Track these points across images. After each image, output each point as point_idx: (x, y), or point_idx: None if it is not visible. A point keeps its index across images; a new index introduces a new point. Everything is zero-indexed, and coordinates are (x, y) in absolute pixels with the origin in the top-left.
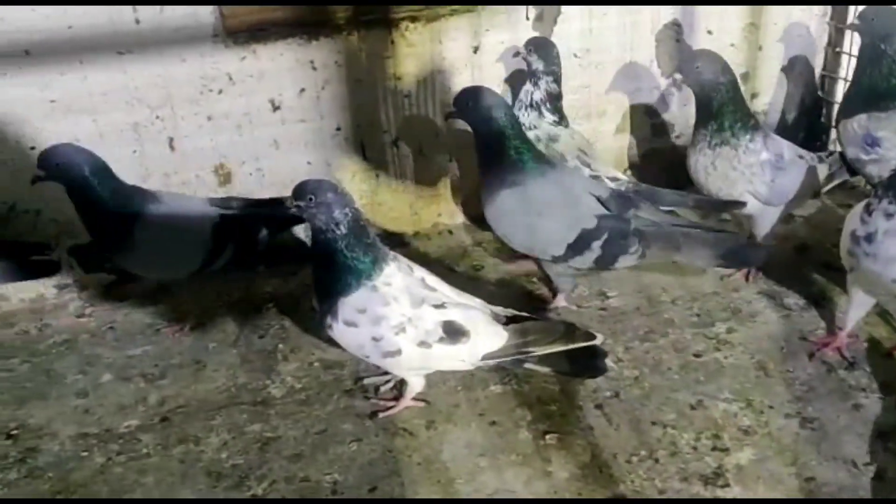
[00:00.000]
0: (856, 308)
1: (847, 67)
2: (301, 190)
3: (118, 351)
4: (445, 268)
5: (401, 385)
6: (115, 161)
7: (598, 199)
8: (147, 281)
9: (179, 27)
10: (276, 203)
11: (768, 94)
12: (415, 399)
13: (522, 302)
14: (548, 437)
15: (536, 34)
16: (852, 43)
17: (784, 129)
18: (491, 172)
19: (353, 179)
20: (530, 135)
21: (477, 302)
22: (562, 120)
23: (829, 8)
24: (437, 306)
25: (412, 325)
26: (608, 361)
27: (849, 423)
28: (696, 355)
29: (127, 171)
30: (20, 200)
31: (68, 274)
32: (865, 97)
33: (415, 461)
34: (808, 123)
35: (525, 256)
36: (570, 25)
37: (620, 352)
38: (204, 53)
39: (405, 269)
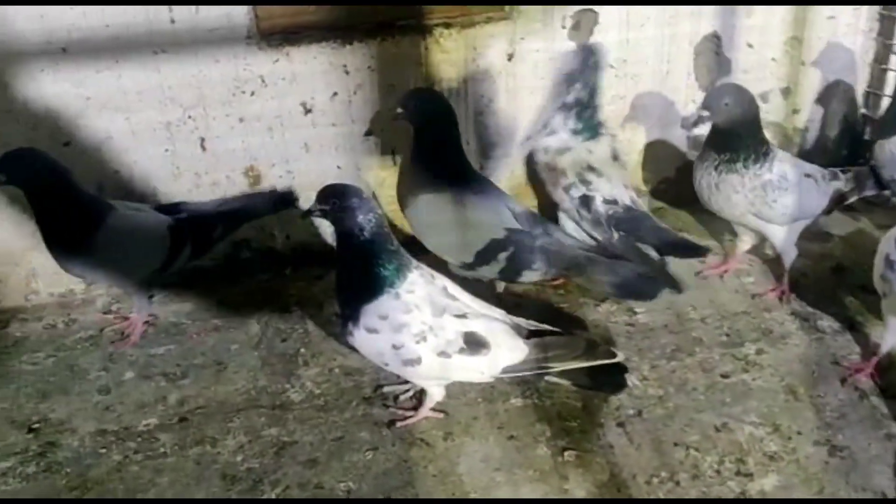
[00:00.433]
0: (892, 333)
1: (894, 85)
2: (325, 193)
3: (141, 349)
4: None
5: (420, 394)
6: (148, 159)
7: (513, 214)
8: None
9: (214, 28)
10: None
11: (809, 110)
12: (433, 409)
13: (545, 314)
14: (566, 453)
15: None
16: None
17: (826, 146)
18: (417, 173)
19: (383, 185)
20: (548, 140)
21: (498, 313)
22: (584, 130)
23: (875, 24)
24: (458, 316)
25: (433, 335)
26: (629, 377)
27: (880, 453)
28: (724, 376)
29: (158, 170)
30: None
31: None
32: None
33: (430, 472)
34: (850, 140)
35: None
36: (607, 35)
37: (646, 370)
38: (237, 55)
39: (427, 277)
